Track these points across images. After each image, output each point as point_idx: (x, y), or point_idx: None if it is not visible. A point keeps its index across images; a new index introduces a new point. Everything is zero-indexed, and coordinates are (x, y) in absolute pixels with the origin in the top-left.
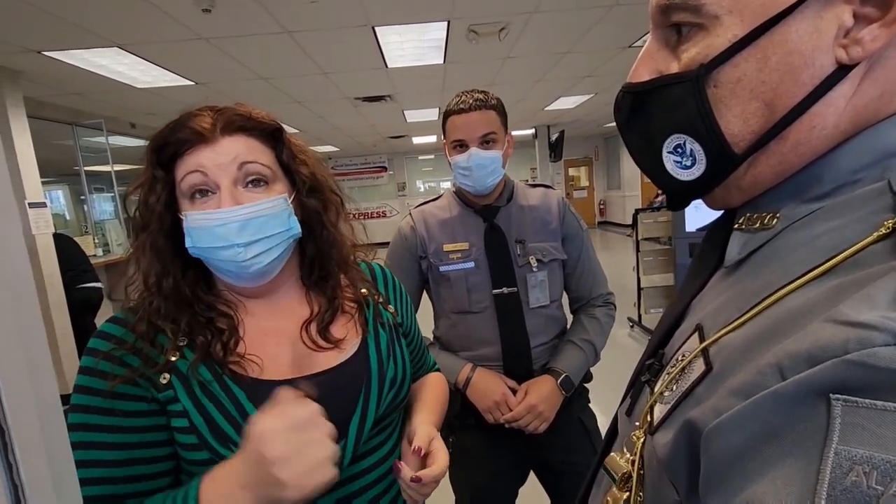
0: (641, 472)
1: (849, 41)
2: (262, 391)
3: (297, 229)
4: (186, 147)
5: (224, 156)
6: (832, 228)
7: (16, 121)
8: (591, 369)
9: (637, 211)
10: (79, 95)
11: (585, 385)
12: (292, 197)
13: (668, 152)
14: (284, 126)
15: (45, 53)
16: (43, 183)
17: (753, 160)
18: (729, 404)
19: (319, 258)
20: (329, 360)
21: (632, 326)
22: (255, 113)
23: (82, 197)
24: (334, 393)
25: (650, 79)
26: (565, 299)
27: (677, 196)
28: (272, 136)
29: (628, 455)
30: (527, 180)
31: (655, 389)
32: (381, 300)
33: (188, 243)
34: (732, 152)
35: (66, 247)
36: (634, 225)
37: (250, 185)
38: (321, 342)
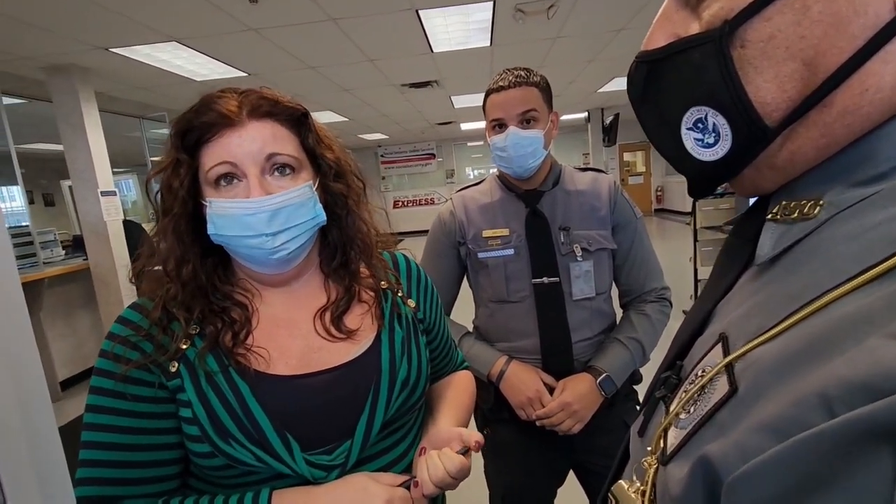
0: (654, 503)
1: None
2: (267, 386)
3: (323, 217)
4: (213, 132)
5: (251, 142)
6: (892, 217)
7: (88, 115)
8: (641, 370)
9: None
10: (144, 90)
11: (634, 387)
12: (316, 183)
13: (688, 129)
14: (334, 114)
15: (112, 50)
16: (115, 173)
17: (790, 133)
18: (759, 443)
19: (342, 245)
20: (340, 355)
21: None
22: (282, 98)
23: None
24: (342, 392)
25: (667, 44)
26: (616, 293)
27: (699, 181)
28: (298, 121)
29: (638, 484)
30: (579, 166)
31: (671, 409)
32: (401, 293)
33: (211, 230)
34: (763, 124)
35: (134, 232)
36: (693, 212)
37: (277, 174)
38: (334, 332)
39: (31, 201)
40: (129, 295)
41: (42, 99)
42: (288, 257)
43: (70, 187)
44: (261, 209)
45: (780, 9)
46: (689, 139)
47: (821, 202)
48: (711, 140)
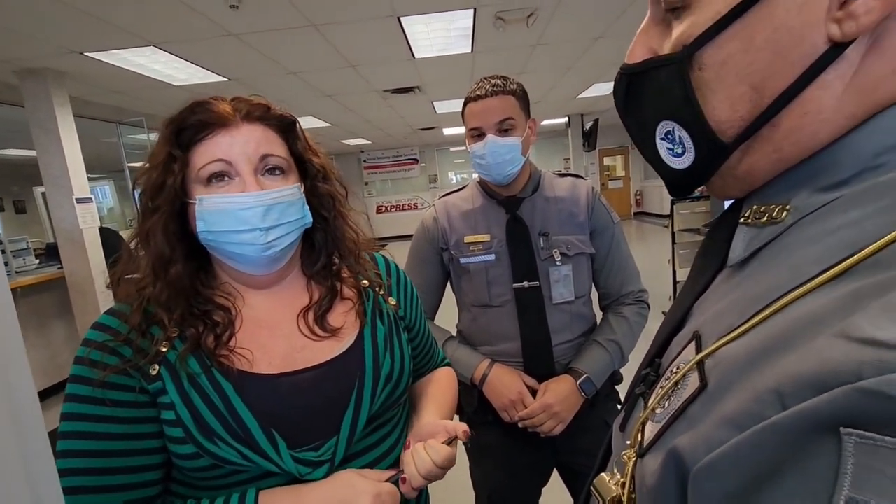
0: (633, 495)
1: (843, 14)
2: (250, 385)
3: (309, 218)
4: (207, 131)
5: (245, 143)
6: (851, 221)
7: (63, 119)
8: (622, 370)
9: (674, 200)
10: (120, 94)
11: (615, 387)
12: (302, 188)
13: (661, 139)
14: (316, 119)
15: (87, 54)
16: (91, 179)
17: (747, 148)
18: (721, 436)
19: (326, 247)
20: (323, 353)
21: None
22: (273, 105)
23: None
24: (326, 388)
25: (643, 60)
26: (595, 296)
27: (675, 184)
28: (287, 128)
29: (619, 477)
30: (559, 171)
31: (648, 404)
32: (382, 292)
33: (201, 227)
34: (720, 140)
35: (111, 240)
36: (671, 215)
37: (268, 174)
38: (318, 330)
39: (1, 209)
40: (106, 303)
41: (14, 103)
42: (277, 255)
43: (43, 194)
44: (257, 203)
45: (730, 36)
46: (662, 148)
47: (787, 207)
48: (679, 150)
